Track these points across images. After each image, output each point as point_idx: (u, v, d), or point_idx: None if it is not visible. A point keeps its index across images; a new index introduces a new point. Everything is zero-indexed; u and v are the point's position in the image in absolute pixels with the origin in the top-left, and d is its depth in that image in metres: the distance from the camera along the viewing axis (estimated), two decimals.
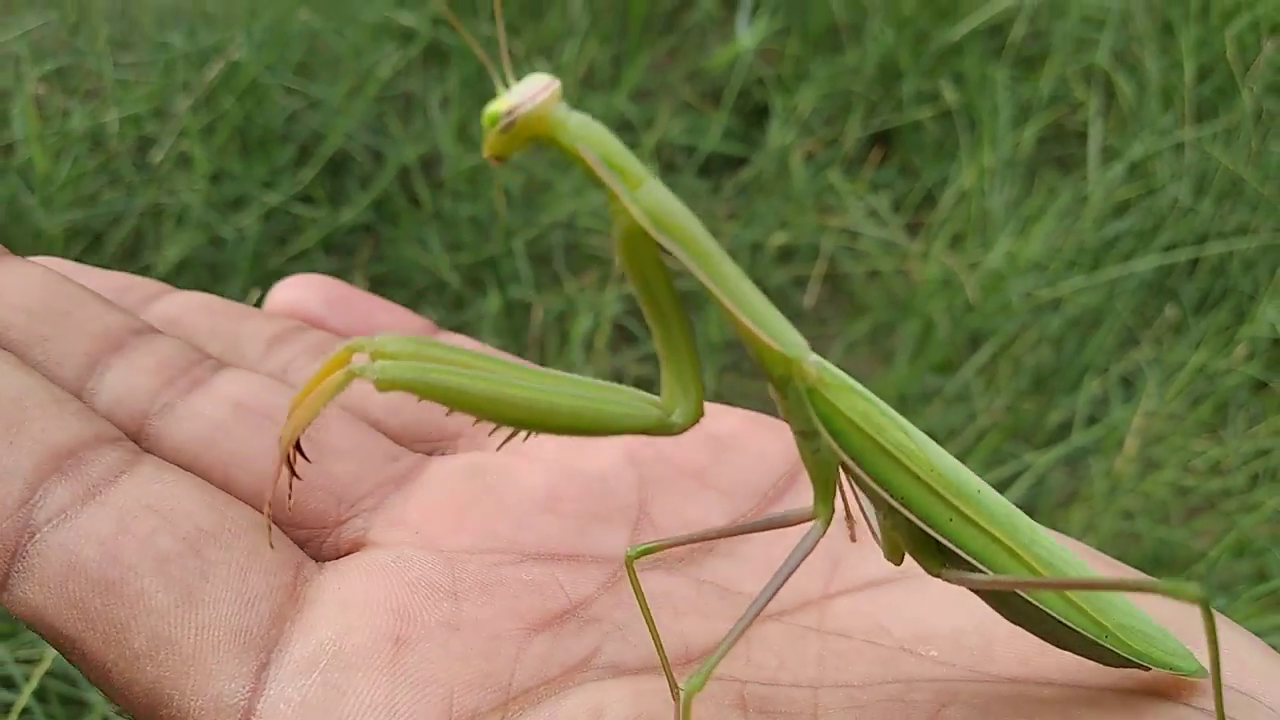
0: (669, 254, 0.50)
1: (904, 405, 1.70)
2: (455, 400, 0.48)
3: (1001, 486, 1.55)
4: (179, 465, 0.56)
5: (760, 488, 0.66)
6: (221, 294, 0.72)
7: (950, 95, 2.14)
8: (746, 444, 0.70)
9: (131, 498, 0.51)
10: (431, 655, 0.52)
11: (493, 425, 0.50)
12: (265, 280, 1.75)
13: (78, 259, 1.76)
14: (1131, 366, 1.76)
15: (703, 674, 0.47)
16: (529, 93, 0.48)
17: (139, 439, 0.57)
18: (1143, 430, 1.51)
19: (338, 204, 1.84)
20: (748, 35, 2.17)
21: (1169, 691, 0.55)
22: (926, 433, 0.55)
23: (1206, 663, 0.47)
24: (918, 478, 0.52)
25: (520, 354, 1.65)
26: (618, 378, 1.69)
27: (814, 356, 0.52)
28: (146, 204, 1.76)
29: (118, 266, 1.73)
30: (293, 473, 0.51)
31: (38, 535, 0.49)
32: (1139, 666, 0.54)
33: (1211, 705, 0.50)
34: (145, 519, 0.51)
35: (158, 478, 0.53)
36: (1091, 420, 1.68)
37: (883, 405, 0.53)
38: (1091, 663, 0.56)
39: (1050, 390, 1.76)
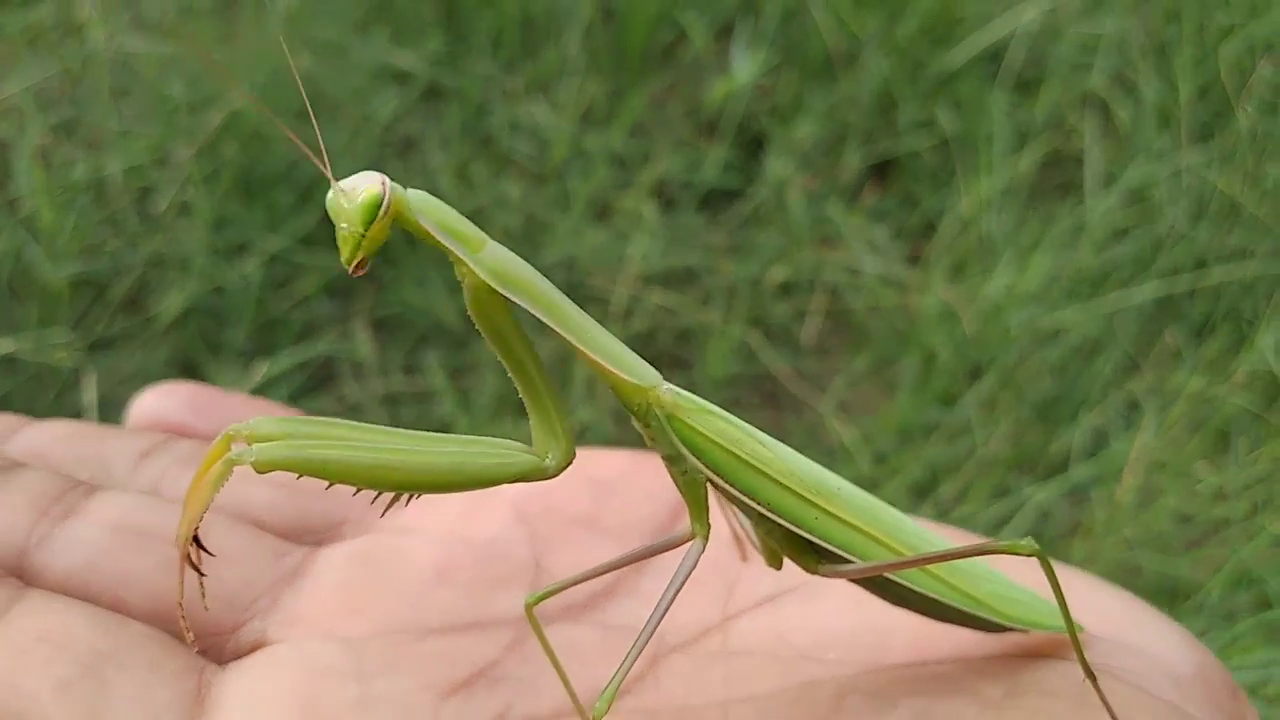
0: (518, 307, 0.52)
1: (907, 438, 1.70)
2: (334, 473, 0.50)
3: (1005, 520, 1.55)
4: (66, 594, 0.56)
5: (649, 526, 0.68)
6: (226, 342, 0.73)
7: (947, 123, 2.16)
8: (631, 485, 0.72)
9: (22, 631, 0.52)
10: None
11: (375, 493, 0.51)
12: (268, 327, 1.77)
13: (84, 310, 1.77)
14: (1131, 395, 1.77)
15: (606, 697, 0.49)
16: (369, 178, 0.50)
17: (21, 574, 0.57)
18: (1142, 460, 1.51)
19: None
20: (744, 69, 2.18)
21: (1050, 651, 0.59)
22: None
23: (1064, 617, 0.52)
24: (779, 483, 0.55)
25: None
26: (625, 417, 1.70)
27: (667, 385, 0.55)
28: (150, 253, 1.78)
29: (122, 316, 1.75)
30: (196, 569, 0.51)
31: None
32: (1018, 630, 0.59)
33: (1091, 659, 0.53)
34: (39, 649, 0.51)
35: (46, 608, 0.53)
36: (1094, 450, 1.68)
37: (738, 421, 0.56)
38: (979, 636, 0.60)
39: (1053, 420, 1.76)
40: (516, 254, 0.54)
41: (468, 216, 0.54)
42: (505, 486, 0.70)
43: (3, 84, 1.96)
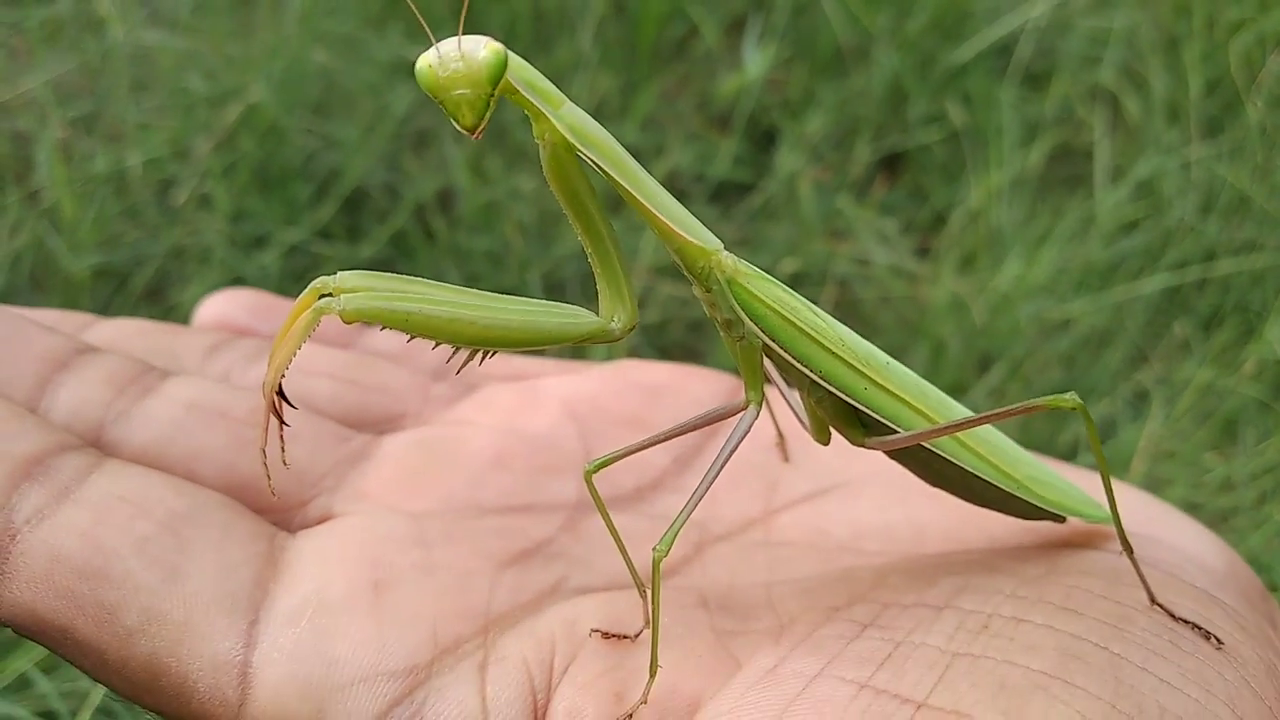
0: (592, 169, 0.54)
1: None
2: (415, 326, 0.51)
3: None
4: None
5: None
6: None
7: (957, 116, 2.17)
8: (679, 391, 0.75)
9: (103, 492, 0.54)
10: (410, 595, 0.55)
11: (451, 351, 0.53)
12: None
13: (105, 300, 1.80)
14: (1140, 386, 1.78)
15: (668, 538, 0.51)
16: (483, 39, 0.51)
17: (99, 447, 0.59)
18: (1149, 450, 1.53)
19: (356, 240, 1.88)
20: (755, 62, 2.20)
21: (1084, 542, 0.61)
22: None
23: (1102, 474, 0.54)
24: (833, 353, 0.56)
25: None
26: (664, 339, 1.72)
27: (728, 252, 0.57)
28: (170, 245, 1.81)
29: (144, 307, 1.78)
30: (280, 419, 0.53)
31: (18, 537, 0.51)
32: (1053, 518, 0.61)
33: (1118, 547, 0.55)
34: (120, 508, 0.53)
35: (125, 473, 0.56)
36: (1101, 440, 1.70)
37: (794, 293, 0.58)
38: (1014, 525, 0.62)
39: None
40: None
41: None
42: (555, 388, 0.73)
43: (23, 78, 1.99)
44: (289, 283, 1.83)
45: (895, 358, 0.60)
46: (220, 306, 0.78)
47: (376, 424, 0.70)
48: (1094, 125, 2.20)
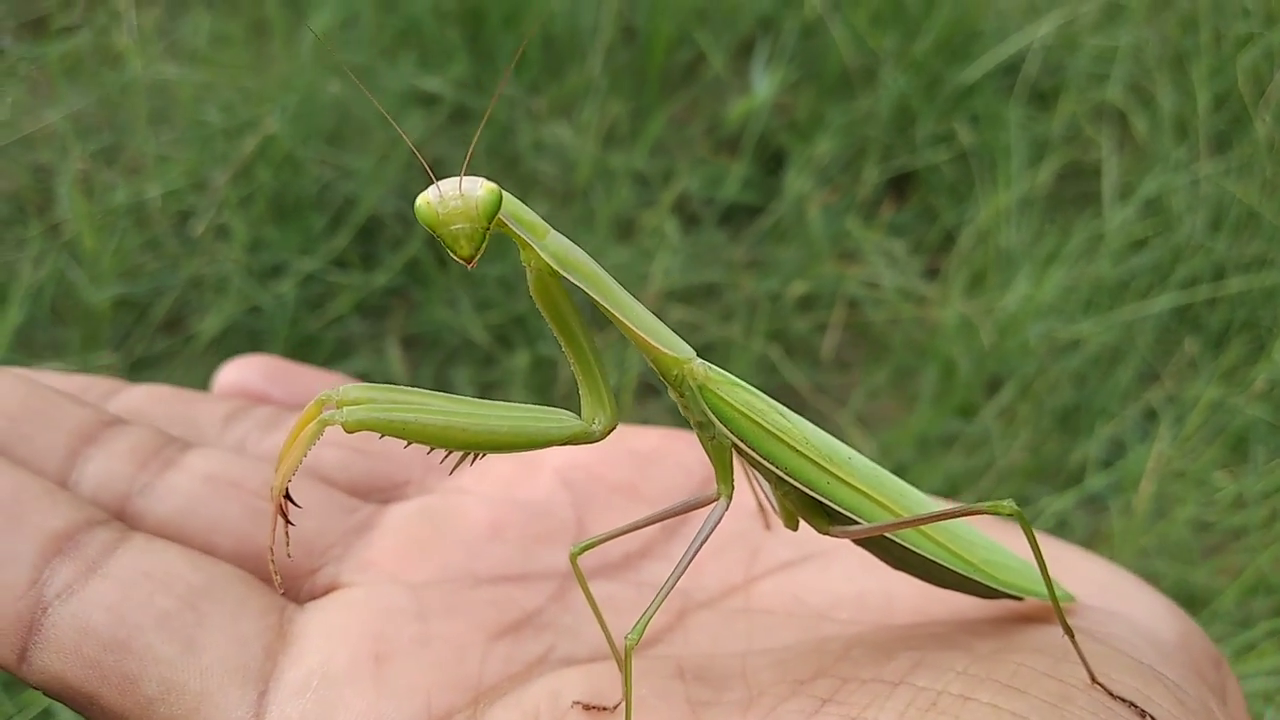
0: (575, 288, 0.58)
1: (926, 450, 1.73)
2: (411, 434, 0.56)
3: None
4: (164, 538, 0.62)
5: (683, 494, 0.74)
6: None
7: (965, 137, 2.18)
8: (667, 457, 0.79)
9: (129, 568, 0.57)
10: (408, 667, 0.59)
11: (444, 453, 0.58)
12: (302, 345, 1.82)
13: (125, 331, 1.83)
14: (1149, 405, 1.79)
15: (639, 628, 0.55)
16: (479, 180, 0.56)
17: (123, 519, 0.63)
18: (1159, 470, 1.53)
19: (370, 268, 1.91)
20: (763, 86, 2.22)
21: (1042, 617, 0.65)
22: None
23: (1042, 572, 0.57)
24: (797, 451, 0.61)
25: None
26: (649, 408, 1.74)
27: (700, 360, 0.61)
28: (188, 275, 1.84)
29: (162, 337, 1.81)
30: (286, 519, 0.57)
31: (50, 610, 0.55)
32: (1011, 597, 0.65)
33: (1077, 624, 0.58)
34: (144, 584, 0.57)
35: (149, 549, 0.59)
36: (1109, 459, 1.70)
37: (762, 395, 0.62)
38: (977, 603, 0.66)
39: (1072, 430, 1.78)
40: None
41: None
42: (551, 457, 0.77)
43: (44, 112, 2.03)
44: (304, 311, 1.85)
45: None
46: (238, 373, 0.82)
47: (382, 491, 0.74)
48: (1102, 143, 2.21)
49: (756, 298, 1.95)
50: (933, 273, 2.07)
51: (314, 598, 0.65)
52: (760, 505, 0.75)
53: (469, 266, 0.56)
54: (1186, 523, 1.52)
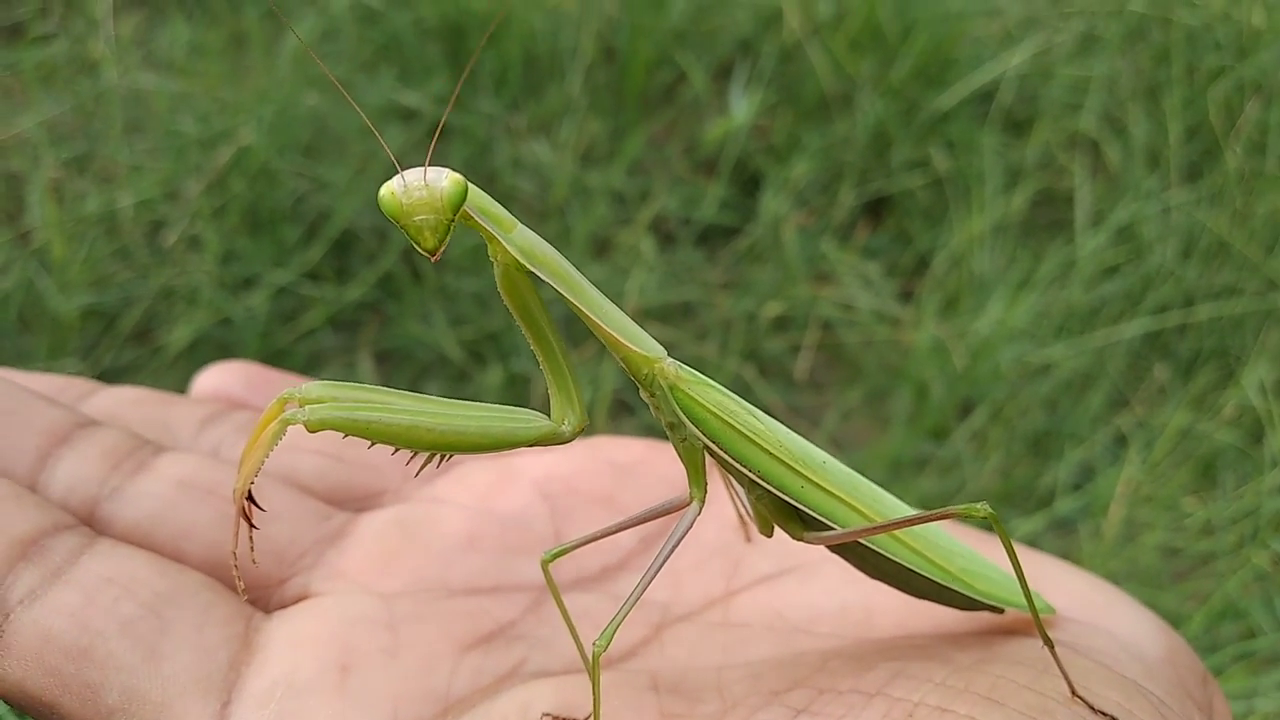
0: (542, 283, 0.57)
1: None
2: (376, 434, 0.54)
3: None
4: (132, 543, 0.60)
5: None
6: None
7: (940, 162, 2.20)
8: (647, 469, 0.77)
9: (93, 574, 0.56)
10: (375, 678, 0.58)
11: (410, 456, 0.56)
12: (274, 358, 1.81)
13: (93, 341, 1.81)
14: (1120, 430, 1.80)
15: (607, 634, 0.53)
16: (444, 170, 0.54)
17: (92, 523, 0.62)
18: (1128, 494, 1.54)
19: (344, 282, 1.90)
20: (741, 109, 2.23)
21: (1025, 630, 0.63)
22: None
23: (1019, 579, 0.56)
24: (770, 454, 0.59)
25: None
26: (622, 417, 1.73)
27: (671, 359, 0.59)
28: (159, 285, 1.82)
29: (131, 347, 1.79)
30: (249, 522, 0.56)
31: (11, 615, 0.53)
32: (991, 609, 0.63)
33: (1058, 637, 0.57)
34: (107, 590, 0.55)
35: (114, 554, 0.58)
36: (1079, 484, 1.71)
37: (735, 396, 0.60)
38: (959, 616, 0.65)
39: (1043, 453, 1.79)
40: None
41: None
42: (529, 468, 0.76)
43: (17, 119, 2.01)
44: (276, 323, 1.84)
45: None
46: (217, 378, 0.80)
47: (358, 500, 0.73)
48: (1075, 171, 2.23)
49: (732, 317, 1.95)
50: (906, 296, 2.08)
51: (284, 607, 0.63)
52: (741, 518, 0.73)
53: (433, 259, 0.54)
54: (1155, 548, 1.53)
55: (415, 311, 1.89)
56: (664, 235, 2.12)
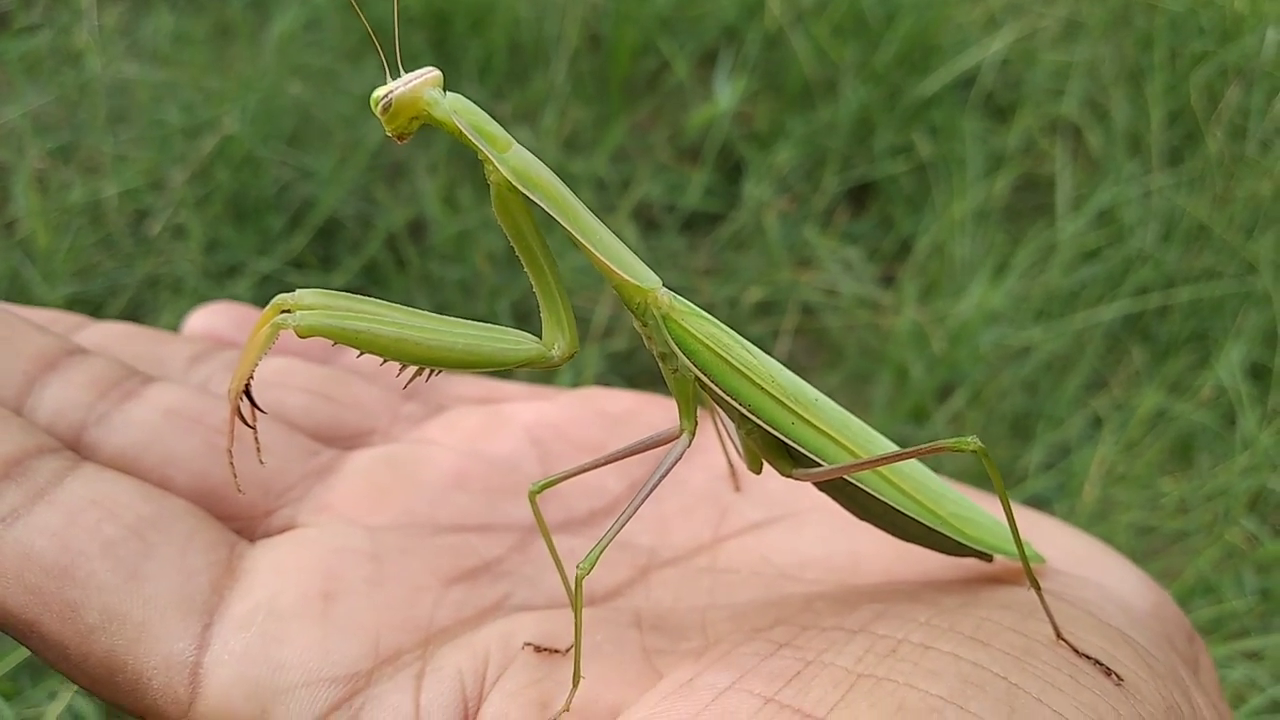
0: (536, 206, 0.57)
1: None
2: (364, 343, 0.54)
3: None
4: (118, 469, 0.60)
5: (652, 455, 0.72)
6: None
7: (924, 148, 2.21)
8: (638, 419, 0.77)
9: (76, 495, 0.56)
10: (358, 606, 0.58)
11: (399, 368, 0.56)
12: None
13: None
14: (1096, 412, 1.81)
15: (592, 557, 0.54)
16: (407, 80, 0.56)
17: (78, 448, 0.62)
18: (1102, 473, 1.56)
19: (329, 269, 1.91)
20: (725, 95, 2.24)
21: (1012, 579, 0.63)
22: None
23: (1006, 514, 0.56)
24: (762, 389, 0.59)
25: None
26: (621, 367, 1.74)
27: (665, 289, 0.59)
28: (144, 274, 1.83)
29: None
30: (245, 421, 0.56)
31: None
32: (980, 555, 0.63)
33: (1046, 585, 0.57)
34: (90, 512, 0.56)
35: (99, 477, 0.58)
36: (1053, 465, 1.72)
37: (728, 330, 0.60)
38: (947, 564, 0.65)
39: (1022, 435, 1.80)
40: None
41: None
42: (521, 414, 0.76)
43: (2, 110, 2.02)
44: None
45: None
46: (208, 319, 0.81)
47: (346, 439, 0.73)
48: (1056, 156, 2.24)
49: (714, 303, 1.96)
50: (888, 280, 2.10)
51: (268, 536, 0.63)
52: (730, 466, 0.73)
53: (399, 142, 0.57)
54: (1129, 526, 1.54)
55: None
56: (647, 222, 2.13)
